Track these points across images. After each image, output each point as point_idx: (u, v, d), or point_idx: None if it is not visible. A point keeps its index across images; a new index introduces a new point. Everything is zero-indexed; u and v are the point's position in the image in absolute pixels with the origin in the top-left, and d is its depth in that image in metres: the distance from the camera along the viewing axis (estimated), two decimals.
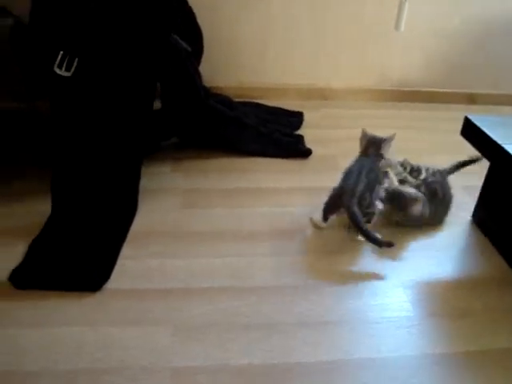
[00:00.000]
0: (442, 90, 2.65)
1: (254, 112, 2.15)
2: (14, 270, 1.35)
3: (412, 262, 1.49)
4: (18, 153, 1.93)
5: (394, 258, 1.49)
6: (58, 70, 1.46)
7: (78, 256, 1.41)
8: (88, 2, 1.50)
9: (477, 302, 1.35)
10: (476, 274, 1.46)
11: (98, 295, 1.31)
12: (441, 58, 2.57)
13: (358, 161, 1.60)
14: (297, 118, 2.25)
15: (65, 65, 1.46)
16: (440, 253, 1.54)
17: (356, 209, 1.46)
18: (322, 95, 2.56)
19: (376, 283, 1.40)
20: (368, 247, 1.52)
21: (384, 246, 1.46)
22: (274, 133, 2.03)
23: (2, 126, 1.94)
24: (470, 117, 1.51)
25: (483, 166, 1.63)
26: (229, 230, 1.58)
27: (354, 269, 1.45)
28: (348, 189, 1.50)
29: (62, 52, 1.46)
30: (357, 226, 1.46)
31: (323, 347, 1.19)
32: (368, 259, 1.49)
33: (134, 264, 1.41)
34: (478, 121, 1.48)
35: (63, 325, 1.21)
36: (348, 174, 1.55)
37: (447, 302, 1.35)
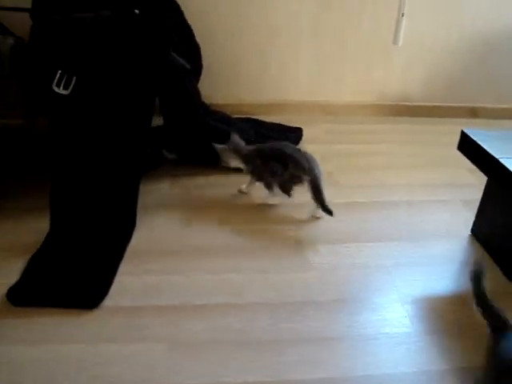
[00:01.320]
0: (442, 104, 2.66)
1: (252, 128, 2.16)
2: (11, 288, 1.35)
3: (411, 277, 1.48)
4: (18, 169, 1.94)
5: (392, 273, 1.49)
6: (56, 89, 1.48)
7: (76, 273, 1.41)
8: (85, 22, 1.52)
9: (477, 317, 1.33)
10: None
11: (96, 312, 1.31)
12: (441, 73, 2.58)
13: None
14: (295, 133, 2.25)
15: (63, 83, 1.48)
16: (439, 267, 1.53)
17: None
18: (322, 111, 2.57)
19: (375, 299, 1.39)
20: (365, 262, 1.51)
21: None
22: None
23: (2, 143, 1.96)
24: (466, 131, 1.51)
25: (481, 179, 1.63)
26: (226, 246, 1.58)
27: (353, 284, 1.44)
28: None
29: (60, 71, 1.48)
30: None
31: (321, 364, 1.18)
32: (367, 273, 1.48)
33: (131, 281, 1.41)
34: (474, 135, 1.48)
35: (62, 342, 1.21)
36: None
37: (446, 317, 1.34)
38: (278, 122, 2.34)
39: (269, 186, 1.77)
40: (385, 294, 1.41)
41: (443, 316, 1.34)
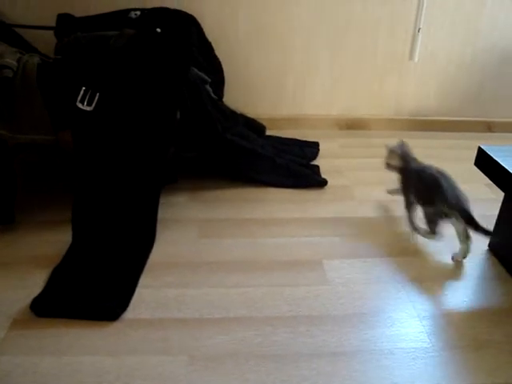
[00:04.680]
0: (458, 119, 2.66)
1: (270, 143, 2.19)
2: (35, 299, 1.38)
3: (428, 292, 1.48)
4: (41, 182, 1.99)
5: (408, 287, 1.49)
6: (80, 105, 1.52)
7: (97, 285, 1.44)
8: (109, 40, 1.57)
9: (496, 333, 1.33)
10: (494, 303, 1.45)
11: (117, 324, 1.33)
12: (457, 87, 2.60)
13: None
14: (313, 148, 2.28)
15: (87, 100, 1.53)
16: (457, 282, 1.53)
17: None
18: (337, 125, 2.60)
19: (392, 313, 1.40)
20: (381, 276, 1.52)
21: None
22: (289, 163, 2.06)
23: (27, 157, 2.01)
24: (483, 147, 1.52)
25: (499, 194, 1.63)
26: (244, 259, 1.60)
27: (370, 298, 1.45)
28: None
29: (84, 88, 1.53)
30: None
31: (337, 378, 1.19)
32: (383, 288, 1.49)
33: (151, 294, 1.43)
34: (491, 151, 1.49)
35: (84, 353, 1.24)
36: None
37: (465, 332, 1.34)
38: (294, 136, 2.37)
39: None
40: (401, 308, 1.41)
41: (461, 331, 1.34)
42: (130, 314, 1.36)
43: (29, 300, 1.38)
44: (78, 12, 2.04)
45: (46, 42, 1.97)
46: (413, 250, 1.67)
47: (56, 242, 1.62)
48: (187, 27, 1.82)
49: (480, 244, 1.70)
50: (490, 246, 1.69)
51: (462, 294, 1.48)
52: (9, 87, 1.53)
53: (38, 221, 1.75)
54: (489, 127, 2.68)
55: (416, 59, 2.45)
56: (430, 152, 2.39)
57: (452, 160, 2.30)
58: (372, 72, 2.51)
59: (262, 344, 1.28)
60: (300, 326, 1.34)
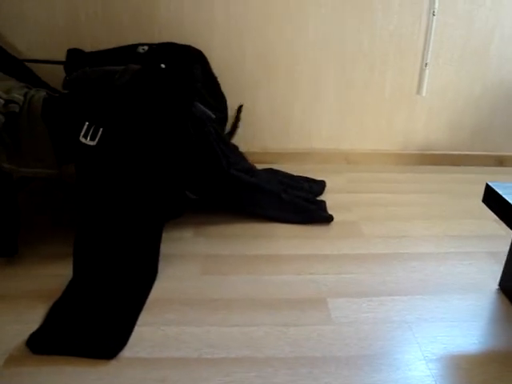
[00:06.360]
0: (468, 153, 2.64)
1: (276, 178, 2.17)
2: (31, 335, 1.36)
3: (435, 333, 1.43)
4: (45, 216, 1.99)
5: (415, 329, 1.45)
6: (83, 140, 1.53)
7: (95, 322, 1.42)
8: (113, 75, 1.58)
9: (507, 378, 1.28)
10: (505, 346, 1.40)
11: (114, 363, 1.30)
12: (466, 121, 2.58)
13: None
14: (319, 184, 2.26)
15: (90, 134, 1.53)
16: (465, 323, 1.48)
17: None
18: (346, 159, 2.58)
19: (397, 355, 1.35)
20: (388, 316, 1.48)
21: None
22: (295, 199, 2.04)
23: (29, 190, 2.02)
24: (490, 184, 1.49)
25: (509, 231, 1.60)
26: (248, 297, 1.56)
27: (375, 339, 1.40)
28: None
29: (87, 123, 1.53)
30: None
31: None
32: (390, 329, 1.44)
33: (150, 331, 1.40)
34: (499, 188, 1.46)
35: None
36: None
37: (474, 377, 1.28)
38: (301, 169, 2.36)
39: None
40: (407, 350, 1.37)
41: (470, 376, 1.28)
42: (127, 352, 1.33)
43: (26, 335, 1.35)
44: (88, 47, 2.07)
45: (57, 76, 2.00)
46: (421, 289, 1.62)
47: (58, 275, 1.61)
48: (192, 62, 1.83)
49: (490, 282, 1.65)
50: (500, 285, 1.64)
51: (471, 336, 1.43)
52: (15, 121, 1.54)
53: (41, 254, 1.74)
54: (500, 161, 2.65)
55: (424, 93, 2.44)
56: (439, 187, 2.37)
57: (462, 195, 2.28)
58: (380, 106, 2.51)
59: None
60: (302, 367, 1.30)
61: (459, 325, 1.47)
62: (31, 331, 1.37)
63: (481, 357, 1.36)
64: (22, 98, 1.55)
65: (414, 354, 1.35)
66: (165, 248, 1.69)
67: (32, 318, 1.43)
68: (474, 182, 2.39)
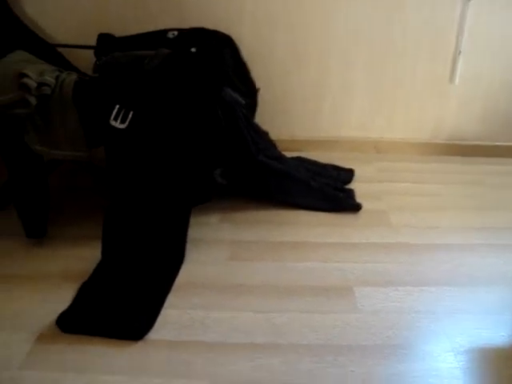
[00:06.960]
0: (500, 144, 2.57)
1: (304, 166, 2.16)
2: (61, 314, 1.39)
3: (463, 326, 1.41)
4: (74, 198, 2.02)
5: (443, 320, 1.42)
6: (113, 123, 1.54)
7: (123, 304, 1.44)
8: (144, 59, 1.58)
9: None
10: None
11: (141, 344, 1.32)
12: (499, 111, 2.51)
13: None
14: (347, 172, 2.24)
15: (120, 118, 1.54)
16: (493, 316, 1.45)
17: None
18: (375, 148, 2.54)
19: (423, 346, 1.33)
20: (415, 306, 1.46)
21: None
22: (324, 187, 2.02)
23: (59, 173, 2.05)
24: None
25: None
26: (273, 284, 1.56)
27: (402, 329, 1.39)
28: None
29: (117, 106, 1.54)
30: None
31: None
32: (416, 319, 1.43)
33: (177, 314, 1.42)
34: None
35: (105, 372, 1.23)
36: None
37: (502, 371, 1.26)
38: (330, 158, 2.33)
39: None
40: (434, 342, 1.35)
41: (497, 370, 1.26)
42: (154, 334, 1.35)
43: (55, 315, 1.38)
44: (118, 32, 2.08)
45: (87, 61, 2.01)
46: (449, 280, 1.59)
47: (86, 257, 1.63)
48: (221, 47, 1.82)
49: None
50: None
51: (500, 329, 1.40)
52: (47, 104, 1.56)
53: (69, 236, 1.77)
54: None
55: (456, 82, 2.39)
56: (471, 178, 2.32)
57: (495, 187, 2.22)
58: (411, 94, 2.46)
59: (287, 373, 1.24)
60: (327, 355, 1.29)
61: (487, 317, 1.45)
62: (60, 311, 1.40)
63: (509, 350, 1.33)
64: (53, 80, 1.57)
65: (441, 346, 1.33)
66: (191, 232, 1.69)
67: (61, 298, 1.46)
68: (506, 174, 2.34)
